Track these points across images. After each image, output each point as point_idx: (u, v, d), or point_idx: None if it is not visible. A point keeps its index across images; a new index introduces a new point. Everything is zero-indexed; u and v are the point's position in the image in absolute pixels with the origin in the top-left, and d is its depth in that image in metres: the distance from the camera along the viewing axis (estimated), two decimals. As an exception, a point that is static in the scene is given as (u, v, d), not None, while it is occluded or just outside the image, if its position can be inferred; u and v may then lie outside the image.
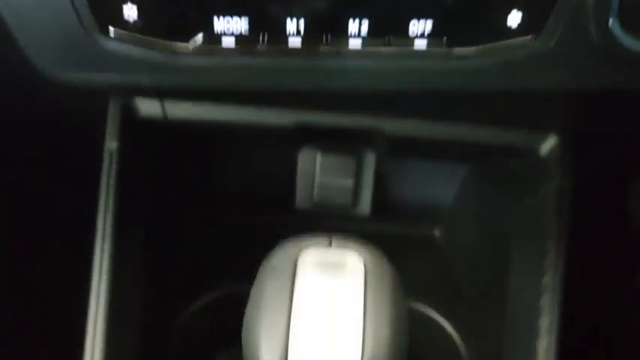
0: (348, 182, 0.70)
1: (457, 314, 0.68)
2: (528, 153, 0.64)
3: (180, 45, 0.49)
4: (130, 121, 0.58)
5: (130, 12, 0.47)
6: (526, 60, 0.50)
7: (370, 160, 0.72)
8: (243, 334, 0.40)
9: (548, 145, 0.63)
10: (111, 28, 0.48)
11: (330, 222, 0.79)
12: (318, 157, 0.70)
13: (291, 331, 0.37)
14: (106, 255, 0.57)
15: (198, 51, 0.49)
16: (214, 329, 0.69)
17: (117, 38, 0.48)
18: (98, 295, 0.56)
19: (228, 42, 0.49)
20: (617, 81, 0.52)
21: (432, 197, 0.77)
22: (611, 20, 0.49)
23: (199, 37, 0.49)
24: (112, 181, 0.59)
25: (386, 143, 0.66)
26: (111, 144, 0.59)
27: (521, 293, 0.61)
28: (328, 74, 0.51)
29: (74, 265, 0.63)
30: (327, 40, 0.49)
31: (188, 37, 0.48)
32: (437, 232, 0.79)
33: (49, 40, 0.48)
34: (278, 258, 0.41)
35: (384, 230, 0.79)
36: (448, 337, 0.68)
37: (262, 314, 0.38)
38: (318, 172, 0.70)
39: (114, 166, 0.59)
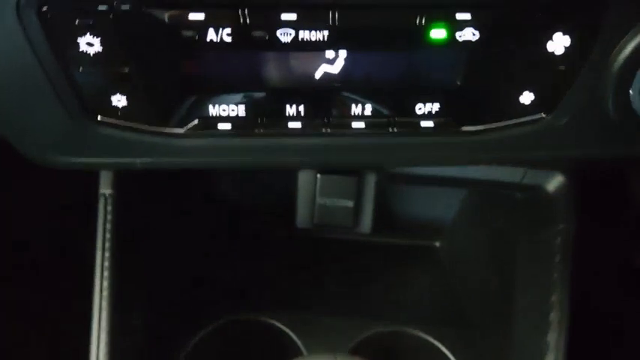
0: (349, 203, 0.69)
1: (459, 340, 0.70)
2: (534, 190, 0.62)
3: (174, 129, 0.46)
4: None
5: (119, 101, 0.44)
6: (538, 136, 0.48)
7: (371, 180, 0.70)
8: None
9: (555, 183, 0.62)
10: (99, 117, 0.45)
11: (332, 234, 0.79)
12: (318, 178, 0.69)
13: None
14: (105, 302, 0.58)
15: (192, 133, 0.46)
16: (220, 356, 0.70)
17: (106, 124, 0.45)
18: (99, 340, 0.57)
19: (224, 126, 0.46)
20: (632, 152, 0.50)
21: (433, 214, 0.77)
22: (632, 94, 0.47)
23: (194, 122, 0.46)
24: (109, 225, 0.58)
25: (385, 177, 0.65)
26: (105, 190, 0.58)
27: (526, 330, 0.62)
28: (331, 151, 0.48)
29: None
30: (328, 121, 0.47)
31: (182, 123, 0.46)
32: (438, 246, 0.79)
33: (37, 132, 0.45)
34: None
35: (385, 242, 0.79)
36: None
37: None
38: (318, 193, 0.69)
39: (109, 209, 0.58)
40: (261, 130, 0.46)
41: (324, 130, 0.47)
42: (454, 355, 0.69)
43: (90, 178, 0.59)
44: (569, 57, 0.44)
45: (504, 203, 0.69)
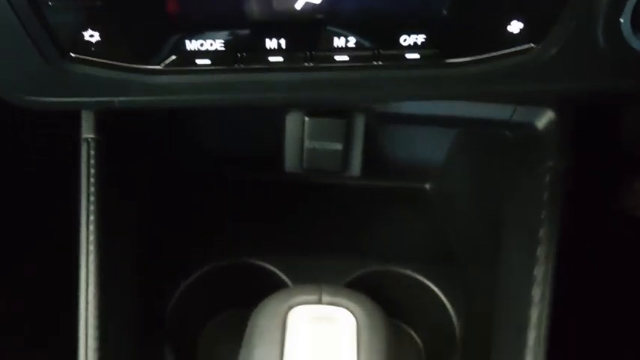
0: (337, 146, 0.68)
1: (447, 278, 0.70)
2: (524, 127, 0.62)
3: (150, 65, 0.45)
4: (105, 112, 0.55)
5: (92, 37, 0.43)
6: (526, 67, 0.47)
7: (359, 122, 0.69)
8: None
9: (545, 119, 0.61)
10: (73, 55, 0.43)
11: (320, 178, 0.79)
12: (306, 121, 0.68)
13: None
14: (93, 239, 0.57)
15: (170, 70, 0.45)
16: (205, 302, 0.70)
17: (81, 63, 0.44)
18: (88, 279, 0.57)
19: (203, 62, 0.45)
20: (624, 85, 0.49)
21: (423, 156, 0.76)
22: (622, 22, 0.45)
23: (172, 58, 0.45)
24: (93, 169, 0.57)
25: (373, 116, 0.64)
26: (87, 135, 0.57)
27: (514, 263, 0.62)
28: (314, 87, 0.47)
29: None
30: (311, 55, 0.45)
31: (158, 60, 0.44)
32: (428, 188, 0.79)
33: (9, 71, 0.44)
34: (265, 318, 0.40)
35: (376, 186, 0.78)
36: (439, 302, 0.70)
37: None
38: (306, 136, 0.68)
39: (92, 153, 0.57)
40: (241, 65, 0.45)
41: (306, 64, 0.46)
42: (443, 292, 0.70)
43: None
44: (558, -17, 0.42)
45: (494, 142, 0.68)
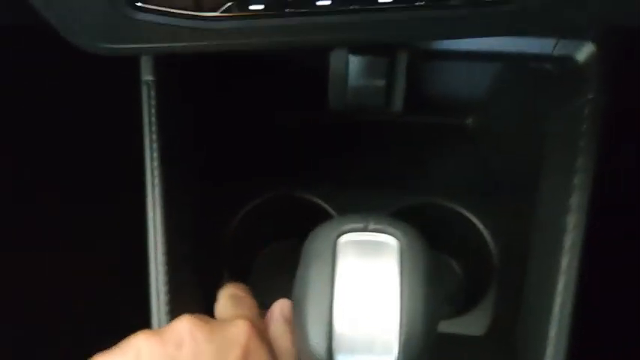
0: (380, 82, 0.71)
1: (487, 210, 0.73)
2: (565, 60, 0.63)
3: (209, 12, 0.49)
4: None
5: (157, -13, 0.46)
6: None
7: (401, 59, 0.71)
8: (293, 312, 0.46)
9: (586, 52, 0.62)
10: (139, 4, 0.47)
11: (363, 116, 0.82)
12: (350, 59, 0.70)
13: (334, 308, 0.43)
14: (157, 170, 0.62)
15: (226, 16, 0.49)
16: (257, 232, 0.76)
17: (146, 12, 0.48)
18: (154, 206, 0.62)
19: (256, 7, 0.48)
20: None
21: (465, 91, 0.78)
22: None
23: (227, 4, 0.48)
24: (153, 109, 0.62)
25: (415, 53, 0.66)
26: (147, 77, 0.61)
27: (551, 193, 0.65)
28: (360, 28, 0.50)
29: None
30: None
31: (216, 6, 0.48)
32: (470, 123, 0.81)
33: (78, 17, 0.48)
34: (318, 242, 0.45)
35: (418, 122, 0.81)
36: (478, 233, 0.74)
37: (309, 295, 0.44)
38: (350, 74, 0.71)
39: (152, 94, 0.61)
40: (292, 10, 0.48)
41: (352, 7, 0.48)
42: (482, 223, 0.73)
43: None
44: None
45: (535, 77, 0.70)
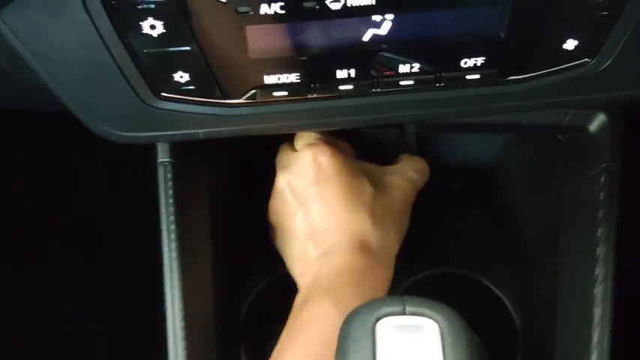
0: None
1: (507, 279, 0.73)
2: (576, 130, 0.64)
3: (232, 99, 0.49)
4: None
5: (182, 78, 0.47)
6: (582, 79, 0.50)
7: (411, 132, 0.73)
8: None
9: (597, 122, 0.63)
10: (164, 94, 0.48)
11: None
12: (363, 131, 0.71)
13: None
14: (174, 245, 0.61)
15: (250, 103, 0.49)
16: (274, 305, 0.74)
17: (171, 101, 0.48)
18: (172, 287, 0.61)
19: (280, 93, 0.49)
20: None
21: (475, 158, 0.79)
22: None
23: (251, 92, 0.49)
24: (170, 190, 0.61)
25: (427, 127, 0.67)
26: (164, 159, 0.61)
27: (575, 263, 0.64)
28: (381, 109, 0.51)
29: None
30: (378, 82, 0.49)
31: (240, 94, 0.49)
32: (481, 190, 0.81)
33: (102, 108, 0.49)
34: (355, 328, 0.44)
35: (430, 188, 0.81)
36: (499, 303, 0.73)
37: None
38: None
39: (169, 176, 0.61)
40: (314, 95, 0.49)
41: (373, 90, 0.49)
42: (503, 293, 0.73)
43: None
44: (609, 2, 0.45)
45: (545, 144, 0.70)
